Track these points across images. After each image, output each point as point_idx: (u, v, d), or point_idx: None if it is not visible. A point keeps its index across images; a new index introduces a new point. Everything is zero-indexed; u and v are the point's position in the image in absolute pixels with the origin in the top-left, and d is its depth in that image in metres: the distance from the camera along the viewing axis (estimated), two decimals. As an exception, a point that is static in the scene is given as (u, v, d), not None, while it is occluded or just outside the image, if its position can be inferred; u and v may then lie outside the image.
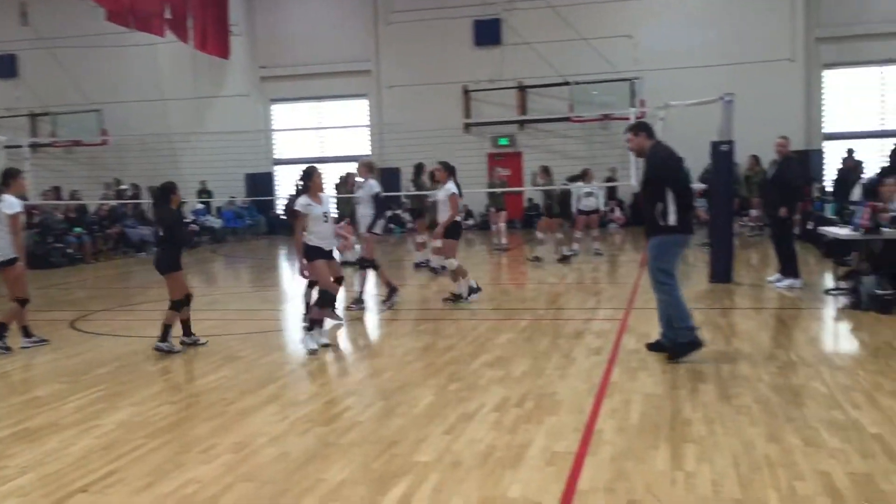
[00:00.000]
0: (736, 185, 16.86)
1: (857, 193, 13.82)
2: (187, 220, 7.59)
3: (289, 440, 5.16)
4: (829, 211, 14.10)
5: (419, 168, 15.54)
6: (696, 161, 16.73)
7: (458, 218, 10.63)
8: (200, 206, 23.53)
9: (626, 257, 16.03)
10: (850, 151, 18.70)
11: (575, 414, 5.48)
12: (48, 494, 4.38)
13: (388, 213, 23.90)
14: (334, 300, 8.18)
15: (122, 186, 22.52)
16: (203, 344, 8.18)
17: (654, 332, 7.28)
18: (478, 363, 7.09)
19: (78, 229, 18.39)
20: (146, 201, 21.09)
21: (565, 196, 15.94)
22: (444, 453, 4.79)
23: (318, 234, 7.95)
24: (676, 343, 6.92)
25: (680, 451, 4.68)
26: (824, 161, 22.59)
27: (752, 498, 4.01)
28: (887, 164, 14.10)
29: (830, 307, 9.50)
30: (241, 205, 25.04)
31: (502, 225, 17.39)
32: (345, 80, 25.57)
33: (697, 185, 15.43)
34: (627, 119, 14.24)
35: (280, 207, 26.17)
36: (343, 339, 8.65)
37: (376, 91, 25.49)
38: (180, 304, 8.04)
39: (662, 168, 6.87)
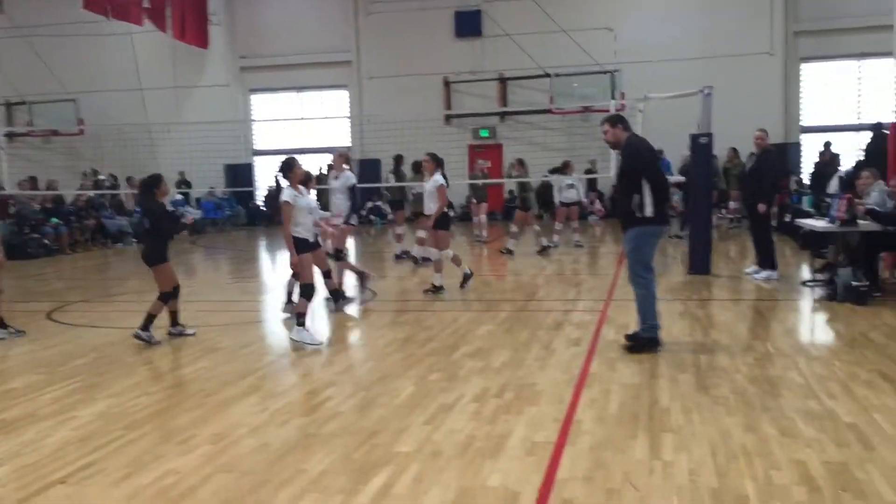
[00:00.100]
0: (715, 178, 16.99)
1: (833, 186, 13.97)
2: (176, 211, 7.54)
3: (269, 431, 5.15)
4: (806, 203, 14.25)
5: (398, 159, 15.51)
6: (676, 153, 16.91)
7: (446, 209, 10.66)
8: (179, 196, 23.37)
9: (606, 249, 16.12)
10: (828, 144, 18.89)
11: (554, 404, 5.51)
12: (25, 486, 4.34)
13: (370, 205, 24.07)
14: (314, 294, 8.10)
15: (101, 177, 22.33)
16: (191, 334, 8.14)
17: (633, 324, 7.32)
18: (458, 354, 7.11)
19: (55, 220, 18.20)
20: (124, 191, 20.95)
21: (546, 188, 15.98)
22: (424, 443, 4.81)
23: (305, 226, 7.91)
24: (639, 336, 7.02)
25: (658, 441, 4.72)
26: (802, 154, 22.81)
27: (729, 487, 4.05)
28: (862, 158, 14.27)
29: (807, 299, 9.60)
30: (221, 195, 24.88)
31: (483, 217, 17.41)
32: (325, 70, 25.45)
33: (675, 178, 15.56)
34: (608, 111, 14.27)
35: (260, 198, 26.07)
36: (323, 330, 8.62)
37: (357, 82, 25.41)
38: (169, 295, 7.99)
39: (639, 159, 6.91)
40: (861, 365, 6.33)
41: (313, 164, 17.53)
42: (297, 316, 7.72)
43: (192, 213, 8.84)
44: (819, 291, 9.72)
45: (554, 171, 15.95)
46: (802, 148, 22.91)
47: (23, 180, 19.66)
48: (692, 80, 15.29)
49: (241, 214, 25.44)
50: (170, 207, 18.82)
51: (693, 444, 4.66)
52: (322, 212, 9.52)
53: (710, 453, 4.50)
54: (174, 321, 8.18)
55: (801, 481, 4.08)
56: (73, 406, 5.84)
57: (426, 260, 13.39)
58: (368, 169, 24.05)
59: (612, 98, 20.15)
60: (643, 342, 6.96)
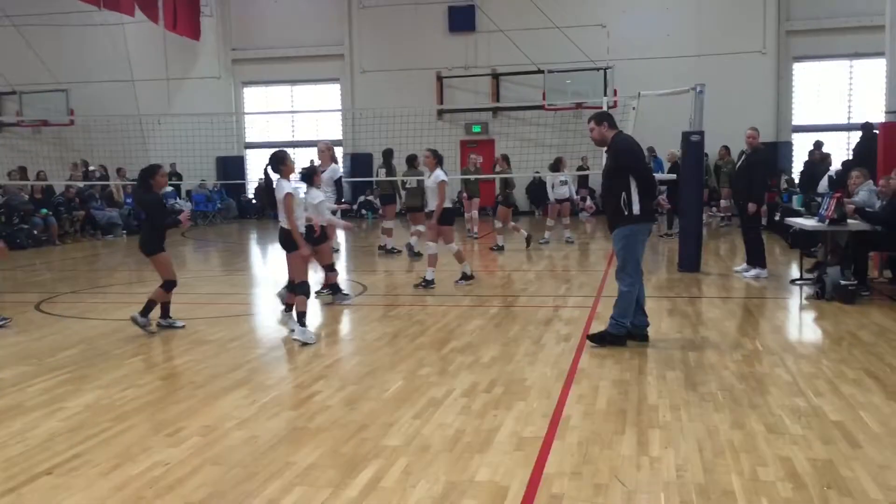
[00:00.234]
0: (706, 176, 17.04)
1: (824, 185, 14.03)
2: (174, 206, 7.48)
3: (258, 424, 5.14)
4: (796, 202, 14.28)
5: (388, 154, 15.49)
6: (668, 151, 16.94)
7: (448, 203, 10.67)
8: (170, 189, 23.27)
9: (596, 245, 16.15)
10: (818, 144, 18.96)
11: (543, 400, 5.53)
12: (12, 477, 4.33)
13: (361, 199, 24.04)
14: (310, 291, 8.05)
15: (91, 168, 22.22)
16: (180, 327, 8.14)
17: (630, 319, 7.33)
18: (448, 349, 7.12)
19: (44, 210, 18.11)
20: (114, 183, 20.86)
21: (539, 185, 16.03)
22: (412, 437, 4.81)
23: (299, 220, 7.85)
24: (606, 331, 7.07)
25: (645, 437, 4.74)
26: (793, 153, 22.90)
27: (715, 482, 4.07)
28: (850, 158, 14.33)
29: (796, 297, 9.65)
30: (212, 188, 24.80)
31: (475, 213, 17.42)
32: (317, 64, 25.39)
33: (659, 176, 15.60)
34: (600, 108, 14.29)
35: (251, 191, 26.01)
36: (313, 324, 8.61)
37: (349, 76, 25.36)
38: (170, 284, 7.99)
39: (625, 157, 6.93)
40: (848, 363, 6.37)
41: (306, 158, 17.52)
42: (298, 315, 7.60)
43: (186, 210, 8.76)
44: (808, 290, 9.78)
45: (553, 167, 15.99)
46: (794, 147, 23.00)
47: (12, 170, 19.54)
48: (685, 77, 15.35)
49: (232, 207, 25.37)
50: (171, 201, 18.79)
51: (680, 440, 4.69)
52: (330, 205, 9.63)
53: (696, 449, 4.52)
54: (165, 313, 8.17)
55: (786, 478, 4.11)
56: (62, 397, 5.83)
57: (418, 254, 13.44)
58: (360, 163, 24.03)
59: (605, 95, 20.18)
60: (608, 338, 7.01)
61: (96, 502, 4.01)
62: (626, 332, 7.04)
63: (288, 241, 7.70)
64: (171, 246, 8.27)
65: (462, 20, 24.15)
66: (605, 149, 7.24)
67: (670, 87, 13.98)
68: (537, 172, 20.87)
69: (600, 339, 7.04)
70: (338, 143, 24.92)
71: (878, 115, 13.81)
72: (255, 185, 24.72)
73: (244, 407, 5.51)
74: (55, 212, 18.45)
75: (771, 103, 22.84)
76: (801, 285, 10.15)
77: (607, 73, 22.74)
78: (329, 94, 25.99)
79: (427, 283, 10.45)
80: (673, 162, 16.55)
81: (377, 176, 15.95)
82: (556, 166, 15.79)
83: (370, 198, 23.96)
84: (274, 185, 7.68)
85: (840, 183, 12.32)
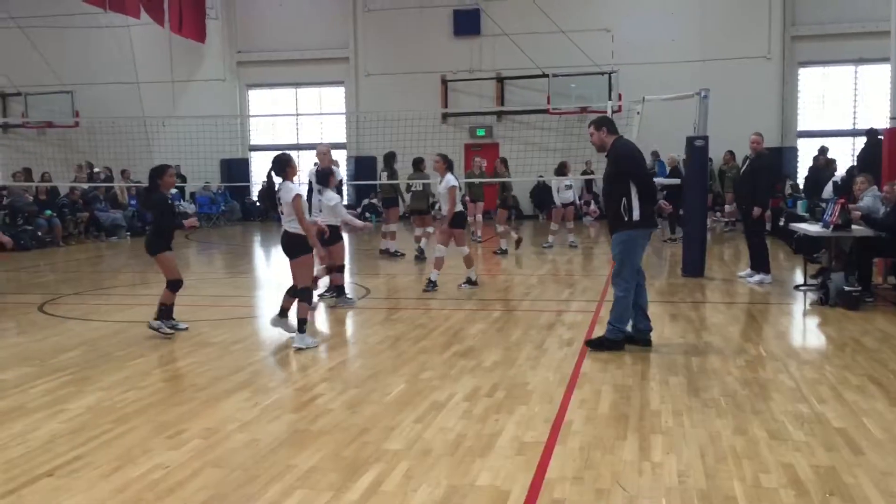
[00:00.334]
0: (710, 181, 17.02)
1: (828, 191, 13.99)
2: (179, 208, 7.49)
3: (259, 426, 5.14)
4: (800, 208, 14.26)
5: (390, 157, 15.49)
6: (677, 154, 16.90)
7: (459, 207, 10.69)
8: (174, 190, 23.30)
9: (600, 250, 16.12)
10: (823, 149, 18.91)
11: (545, 404, 5.51)
12: (13, 478, 4.33)
13: (365, 202, 24.05)
14: (312, 298, 7.99)
15: (96, 170, 22.27)
16: (183, 329, 8.11)
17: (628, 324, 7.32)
18: (450, 353, 7.11)
19: (48, 212, 18.14)
20: (118, 184, 20.90)
21: (543, 189, 16.04)
22: (414, 441, 4.80)
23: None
24: (604, 337, 7.08)
25: (648, 442, 4.72)
26: (798, 158, 22.86)
27: (717, 489, 4.05)
28: (854, 164, 14.29)
29: (799, 303, 9.63)
30: (216, 190, 24.82)
31: (479, 216, 17.41)
32: (322, 67, 25.42)
33: (661, 180, 15.60)
34: (605, 112, 14.28)
35: (255, 194, 26.02)
36: (316, 326, 8.61)
37: (354, 79, 25.37)
38: (175, 284, 7.98)
39: (625, 163, 6.93)
40: (852, 369, 6.35)
41: (311, 161, 17.54)
42: (298, 322, 7.52)
43: (192, 218, 8.71)
44: (812, 296, 9.75)
45: (559, 172, 16.00)
46: (798, 152, 22.95)
47: (17, 172, 19.59)
48: (690, 82, 15.33)
49: (236, 209, 25.38)
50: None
51: (682, 445, 4.67)
52: (346, 210, 9.69)
53: (699, 455, 4.51)
54: (168, 315, 8.15)
55: (789, 484, 4.09)
56: (64, 399, 5.83)
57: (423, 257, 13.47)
58: (364, 166, 24.04)
59: (610, 99, 20.16)
60: (606, 343, 7.02)
61: (97, 504, 4.01)
62: (623, 336, 7.04)
63: (293, 245, 7.53)
64: (175, 248, 8.25)
65: (467, 24, 24.16)
66: (605, 153, 7.23)
67: (675, 92, 13.96)
68: (541, 176, 20.86)
69: (598, 345, 7.04)
70: (342, 146, 24.95)
71: (882, 121, 13.78)
72: (260, 187, 24.72)
73: (246, 409, 5.51)
74: (59, 213, 18.48)
75: (776, 108, 22.81)
76: (805, 291, 10.12)
77: (612, 78, 22.73)
78: (334, 97, 26.01)
79: (432, 286, 10.47)
80: (673, 166, 16.54)
81: (380, 179, 15.93)
82: (561, 170, 15.80)
83: (374, 201, 23.95)
84: (277, 188, 7.56)
85: (845, 189, 12.28)
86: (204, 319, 8.79)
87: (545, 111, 23.07)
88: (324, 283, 10.42)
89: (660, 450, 4.60)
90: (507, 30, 22.57)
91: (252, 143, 26.78)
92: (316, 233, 7.90)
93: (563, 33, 21.65)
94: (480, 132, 24.62)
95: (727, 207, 19.22)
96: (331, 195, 9.57)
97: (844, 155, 20.53)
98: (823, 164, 17.71)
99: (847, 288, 8.93)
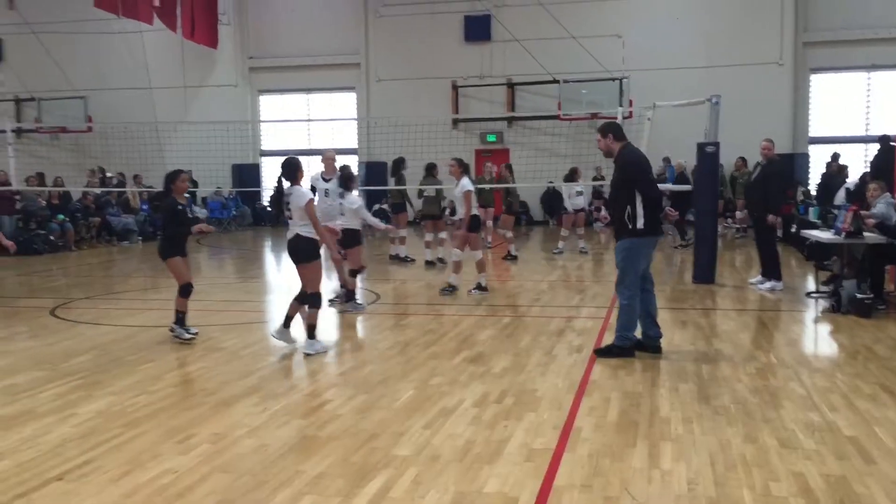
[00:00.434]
0: (721, 187, 16.96)
1: (840, 197, 13.91)
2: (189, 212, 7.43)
3: (268, 432, 5.14)
4: (812, 214, 14.18)
5: (398, 163, 15.53)
6: (686, 160, 16.88)
7: (475, 212, 10.75)
8: (186, 195, 23.39)
9: (610, 256, 15.98)
10: (835, 156, 18.83)
11: (554, 411, 5.50)
12: (24, 482, 4.34)
13: (376, 207, 24.07)
14: (321, 304, 7.92)
15: (108, 174, 22.39)
16: (194, 334, 8.08)
17: (636, 333, 7.30)
18: (459, 359, 7.10)
19: (61, 216, 18.25)
20: (130, 189, 21.01)
21: (553, 195, 16.02)
22: (423, 447, 4.80)
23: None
24: (613, 345, 7.07)
25: (657, 450, 4.70)
26: (809, 165, 22.75)
27: (727, 497, 4.03)
28: (868, 170, 14.21)
29: (811, 310, 9.58)
30: (228, 195, 24.91)
31: (489, 222, 17.40)
32: (334, 72, 25.48)
33: (667, 186, 15.56)
34: (615, 118, 14.26)
35: (266, 199, 26.08)
36: (325, 332, 8.61)
37: (365, 84, 25.42)
38: (184, 288, 7.98)
39: (630, 171, 6.92)
40: (863, 378, 6.30)
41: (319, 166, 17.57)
42: (307, 328, 7.50)
43: (201, 224, 8.65)
44: (823, 303, 9.70)
45: (568, 178, 15.99)
46: (810, 159, 22.85)
47: (30, 176, 19.71)
48: (701, 88, 15.29)
49: (247, 214, 25.46)
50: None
51: (692, 453, 4.65)
52: (370, 215, 9.81)
53: (708, 463, 4.48)
54: (181, 321, 8.16)
55: (799, 493, 4.06)
56: (74, 403, 5.85)
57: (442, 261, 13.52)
58: (375, 172, 24.07)
59: (620, 105, 20.14)
60: (615, 351, 7.01)
61: (106, 509, 4.02)
62: (631, 343, 7.01)
63: (304, 250, 7.46)
64: (187, 252, 8.26)
65: (478, 29, 24.19)
66: (613, 160, 7.22)
67: (686, 98, 13.94)
68: (551, 182, 20.84)
69: (607, 353, 7.02)
70: (353, 151, 24.99)
71: (895, 128, 13.73)
72: (271, 192, 24.79)
73: (255, 415, 5.52)
74: (72, 218, 18.59)
75: (787, 114, 22.71)
76: (816, 298, 10.06)
77: (623, 84, 22.70)
78: (345, 103, 26.07)
79: (451, 289, 10.55)
80: (680, 172, 16.50)
81: (389, 185, 15.97)
82: (572, 176, 15.79)
83: (384, 206, 23.97)
84: (287, 193, 7.48)
85: (857, 195, 12.21)
86: (214, 324, 8.81)
87: (556, 117, 23.02)
88: (334, 287, 10.45)
89: (669, 457, 4.58)
90: (517, 36, 22.57)
91: (263, 148, 26.86)
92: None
93: (573, 39, 21.64)
94: (491, 138, 24.62)
95: (738, 214, 19.15)
96: (353, 198, 9.70)
97: (857, 161, 20.43)
98: (835, 171, 17.64)
99: (859, 295, 8.88)
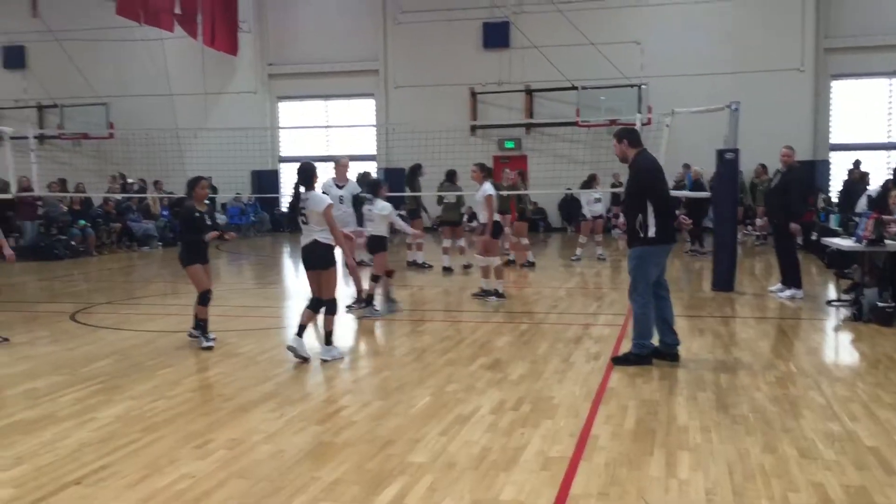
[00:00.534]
0: (741, 194, 16.85)
1: (862, 205, 13.78)
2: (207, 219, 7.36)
3: (284, 438, 5.16)
4: (833, 222, 14.07)
5: (414, 169, 15.57)
6: (698, 166, 16.79)
7: (496, 217, 10.73)
8: (206, 202, 23.53)
9: (628, 263, 15.99)
10: (857, 163, 18.67)
11: (571, 418, 5.47)
12: (42, 486, 4.38)
13: (395, 213, 24.09)
14: (337, 308, 7.92)
15: (129, 180, 22.59)
16: (212, 339, 8.13)
17: (653, 338, 7.26)
18: (476, 365, 7.09)
19: (82, 222, 18.42)
20: (150, 195, 21.18)
21: (572, 202, 15.98)
22: (439, 454, 4.79)
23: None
24: (630, 352, 7.04)
25: (674, 459, 4.67)
26: (830, 172, 22.57)
27: (746, 507, 4.00)
28: (891, 177, 14.08)
29: (832, 318, 9.48)
30: (247, 201, 25.04)
31: (507, 229, 17.36)
32: (352, 79, 25.57)
33: (682, 193, 15.49)
34: (633, 125, 14.21)
35: (285, 205, 26.18)
36: (341, 338, 8.63)
37: (383, 91, 25.49)
38: (203, 296, 7.99)
39: (641, 180, 6.89)
40: (884, 387, 6.23)
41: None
42: (325, 334, 7.49)
43: (221, 225, 8.57)
44: (844, 311, 9.59)
45: (586, 185, 15.97)
46: (831, 165, 22.67)
47: (52, 182, 19.92)
48: (720, 94, 15.18)
49: (266, 220, 25.58)
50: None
51: (710, 462, 4.61)
52: (401, 220, 9.90)
53: (727, 473, 4.44)
54: (203, 329, 8.18)
55: (819, 504, 4.02)
56: (93, 407, 5.90)
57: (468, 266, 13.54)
58: (394, 178, 24.09)
59: (639, 112, 20.06)
60: (632, 359, 6.98)
61: (123, 513, 4.04)
62: (648, 351, 6.98)
63: (323, 257, 7.40)
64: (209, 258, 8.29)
65: (496, 36, 24.20)
66: (627, 165, 7.20)
67: (705, 105, 13.87)
68: (569, 189, 20.79)
69: (624, 361, 6.99)
70: (371, 157, 25.06)
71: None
72: (289, 198, 24.88)
73: (271, 420, 5.53)
74: (93, 223, 18.76)
75: (808, 121, 22.53)
76: (837, 306, 9.96)
77: (641, 90, 22.62)
78: (363, 109, 26.15)
79: (484, 294, 10.59)
80: (696, 179, 16.42)
81: (405, 191, 16.00)
82: (590, 183, 15.77)
83: (402, 213, 24.00)
84: (304, 198, 7.40)
85: (879, 203, 12.09)
86: (232, 330, 8.85)
87: (574, 124, 22.98)
88: (351, 293, 10.48)
89: (687, 466, 4.55)
90: (536, 42, 22.57)
91: (282, 154, 26.98)
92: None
93: (592, 46, 21.60)
94: (509, 144, 24.60)
95: (758, 221, 19.01)
96: (382, 204, 9.79)
97: (879, 168, 20.23)
98: (857, 178, 17.49)
99: (880, 304, 8.78)
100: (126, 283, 14.37)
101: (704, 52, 22.42)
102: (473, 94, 24.53)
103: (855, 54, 22.07)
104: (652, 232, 6.77)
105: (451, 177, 14.62)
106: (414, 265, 14.61)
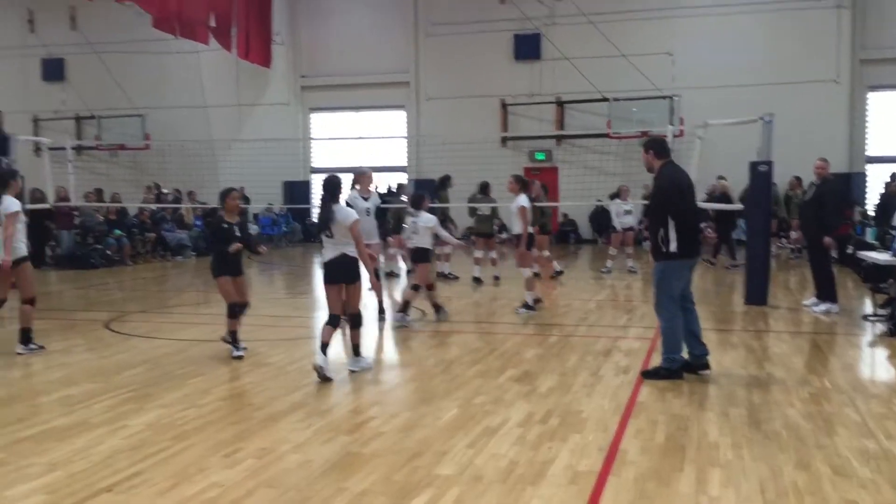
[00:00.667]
0: (775, 207, 16.64)
1: (899, 218, 13.54)
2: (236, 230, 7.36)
3: (312, 448, 5.18)
4: (869, 235, 13.84)
5: (444, 181, 15.60)
6: (737, 181, 16.63)
7: (531, 229, 10.77)
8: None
9: (660, 276, 15.86)
10: (894, 175, 18.33)
11: (600, 432, 5.44)
12: (74, 493, 4.44)
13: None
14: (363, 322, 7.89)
15: (164, 191, 22.91)
16: (242, 349, 8.17)
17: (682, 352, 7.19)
18: (504, 377, 7.07)
19: (118, 231, 18.71)
20: (185, 206, 21.44)
21: (602, 213, 15.92)
22: (466, 467, 4.78)
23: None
24: (660, 366, 6.97)
25: (705, 475, 4.61)
26: (867, 184, 22.22)
27: (777, 525, 3.94)
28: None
29: (867, 334, 9.32)
30: (278, 212, 25.26)
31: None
32: (384, 90, 25.72)
33: (709, 205, 15.32)
34: (665, 137, 14.12)
35: (316, 216, 26.36)
36: (370, 349, 8.66)
37: (414, 102, 25.61)
38: (231, 309, 8.01)
39: (666, 192, 6.83)
40: (922, 404, 6.11)
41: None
42: (354, 347, 7.50)
43: (249, 237, 8.43)
44: (880, 326, 9.43)
45: (614, 196, 15.90)
46: (867, 178, 22.32)
47: (89, 192, 20.26)
48: (754, 106, 15.01)
49: (297, 231, 25.77)
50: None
51: (742, 479, 4.55)
52: (444, 231, 10.00)
53: (759, 490, 4.38)
54: (233, 339, 8.21)
55: (853, 523, 3.95)
56: (125, 415, 5.97)
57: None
58: (424, 189, 24.16)
59: (671, 124, 19.94)
60: (662, 373, 6.91)
61: (153, 521, 4.08)
62: (679, 365, 6.90)
63: (353, 270, 7.34)
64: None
65: (527, 48, 24.22)
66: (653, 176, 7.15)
67: (739, 116, 13.74)
68: (599, 201, 20.70)
69: (654, 375, 6.92)
70: (402, 169, 25.16)
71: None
72: (319, 211, 25.05)
73: (300, 430, 5.56)
74: (128, 233, 19.04)
75: (844, 133, 22.24)
76: (873, 321, 9.80)
77: (673, 102, 22.48)
78: (395, 121, 26.28)
79: (528, 307, 10.66)
80: (723, 192, 16.28)
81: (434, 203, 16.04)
82: (618, 195, 15.71)
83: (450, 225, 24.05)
84: (334, 211, 7.29)
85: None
86: (262, 339, 8.92)
87: (605, 135, 22.89)
88: (373, 303, 10.51)
89: (717, 483, 4.49)
90: (567, 54, 22.55)
91: (314, 165, 27.19)
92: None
93: (624, 57, 21.54)
94: (540, 156, 24.57)
95: (793, 234, 18.76)
96: (427, 217, 9.94)
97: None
98: (894, 191, 17.17)
99: (918, 319, 8.63)
100: (159, 292, 14.55)
101: (737, 64, 22.22)
102: (504, 106, 24.55)
103: (892, 66, 21.76)
104: (674, 247, 6.71)
105: (484, 189, 14.67)
106: (441, 276, 14.62)
